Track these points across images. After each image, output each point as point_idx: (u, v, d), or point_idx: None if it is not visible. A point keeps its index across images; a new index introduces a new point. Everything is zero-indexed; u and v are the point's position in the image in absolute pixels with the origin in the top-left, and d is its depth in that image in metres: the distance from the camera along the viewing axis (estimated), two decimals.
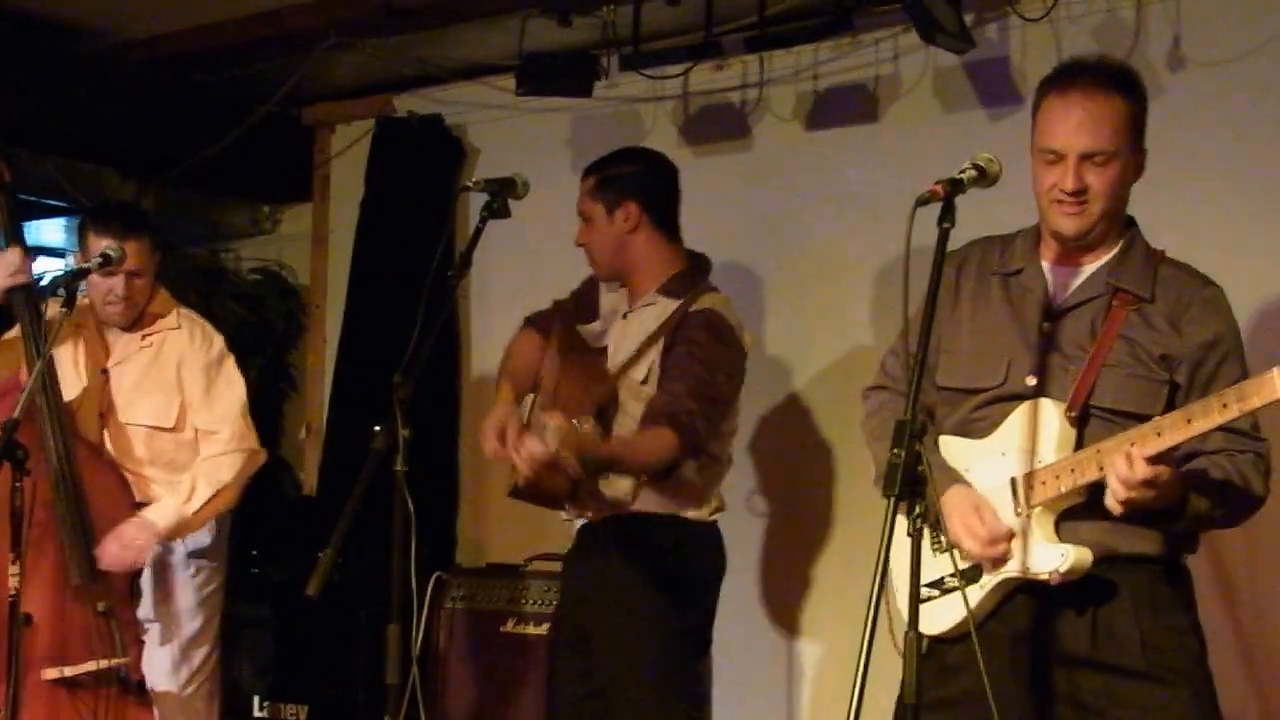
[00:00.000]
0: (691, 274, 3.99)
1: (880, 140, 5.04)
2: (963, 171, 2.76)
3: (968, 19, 4.59)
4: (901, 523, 2.54)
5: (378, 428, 3.02)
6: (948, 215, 2.68)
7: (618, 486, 3.78)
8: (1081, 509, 2.88)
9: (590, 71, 5.19)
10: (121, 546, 4.02)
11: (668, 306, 3.89)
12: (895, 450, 2.49)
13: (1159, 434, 2.72)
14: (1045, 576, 2.85)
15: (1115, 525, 2.86)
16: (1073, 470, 2.83)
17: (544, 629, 4.91)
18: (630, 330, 3.94)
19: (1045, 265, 3.06)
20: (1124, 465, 2.70)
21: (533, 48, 5.22)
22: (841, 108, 5.12)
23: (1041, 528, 2.89)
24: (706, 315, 3.85)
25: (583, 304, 4.16)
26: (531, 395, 4.02)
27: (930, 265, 2.71)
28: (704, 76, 5.32)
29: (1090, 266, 3.02)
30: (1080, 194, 2.92)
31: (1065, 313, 3.00)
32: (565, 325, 4.09)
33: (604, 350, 3.98)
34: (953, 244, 2.70)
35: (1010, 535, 2.90)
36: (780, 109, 5.25)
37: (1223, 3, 4.45)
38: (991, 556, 2.90)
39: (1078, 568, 2.84)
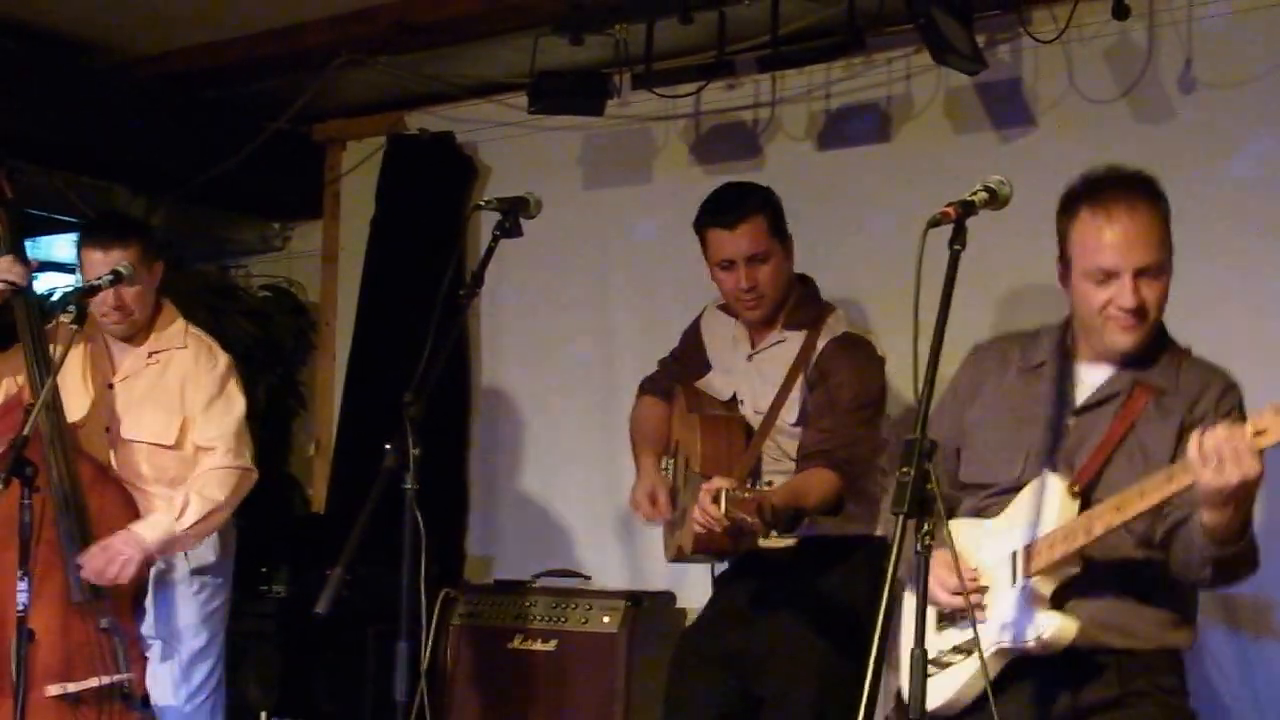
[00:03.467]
0: (809, 301, 4.00)
1: (892, 160, 5.04)
2: (974, 193, 2.75)
3: (980, 40, 4.59)
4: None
5: (389, 446, 3.02)
6: (959, 237, 2.68)
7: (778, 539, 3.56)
8: (1086, 594, 2.88)
9: (602, 90, 5.19)
10: (107, 560, 4.00)
11: (797, 340, 3.91)
12: (904, 469, 2.49)
13: (1141, 495, 2.71)
14: (1030, 644, 2.85)
15: (1115, 610, 2.88)
16: (1064, 538, 2.83)
17: (551, 645, 4.91)
18: (764, 372, 3.93)
19: (1073, 363, 3.05)
20: (1220, 429, 2.60)
21: (545, 66, 5.23)
22: (853, 128, 5.12)
23: (1036, 598, 2.88)
24: (843, 341, 3.87)
25: (691, 360, 4.20)
26: (670, 459, 4.10)
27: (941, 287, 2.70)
28: (716, 95, 5.33)
29: (1115, 362, 3.01)
30: (1138, 311, 2.91)
31: (1089, 409, 3.00)
32: (686, 385, 4.12)
33: (733, 401, 3.99)
34: (963, 268, 2.69)
35: (979, 587, 2.90)
36: (792, 128, 5.26)
37: (1234, 25, 4.45)
38: (957, 605, 2.90)
39: (1060, 635, 2.84)
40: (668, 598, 5.11)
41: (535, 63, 5.22)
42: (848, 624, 3.74)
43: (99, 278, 4.10)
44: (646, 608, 4.96)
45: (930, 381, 2.59)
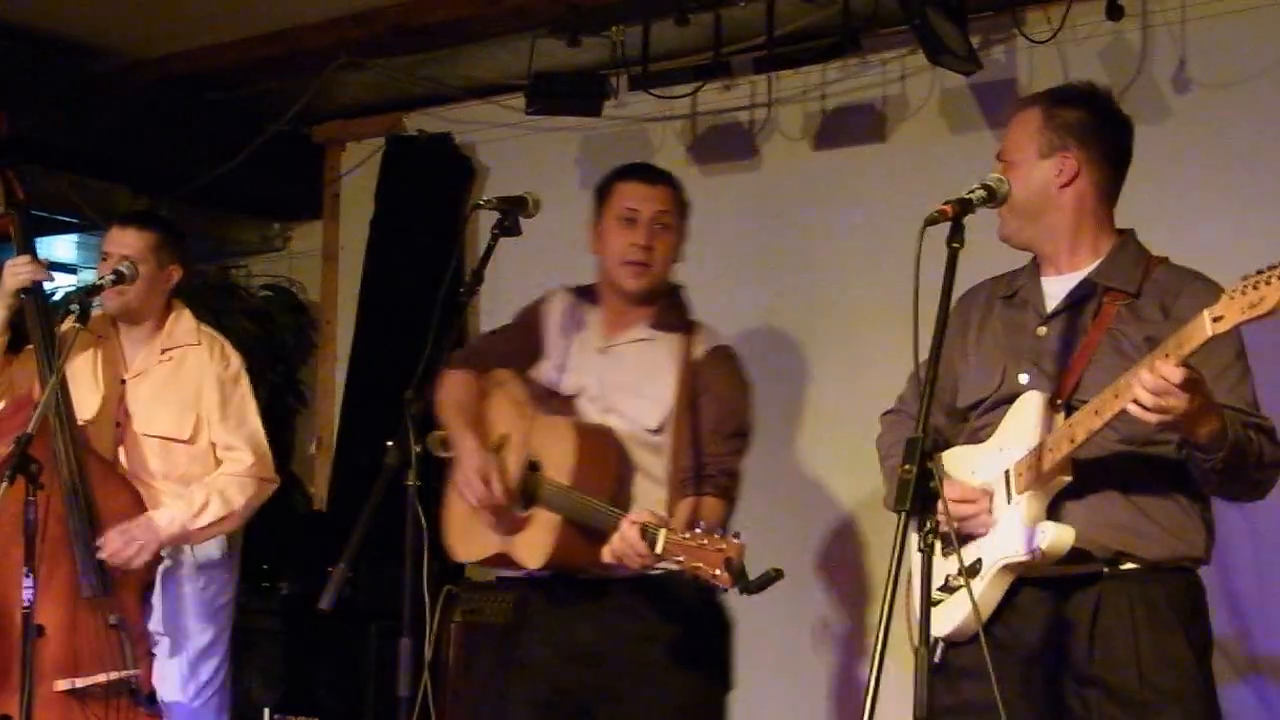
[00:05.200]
0: (681, 306, 3.72)
1: (888, 160, 5.08)
2: (972, 191, 2.78)
3: (974, 40, 4.63)
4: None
5: (390, 443, 3.04)
6: (957, 235, 2.69)
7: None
8: (1082, 496, 2.90)
9: (599, 91, 5.22)
10: (125, 541, 4.02)
11: (667, 341, 3.63)
12: (906, 466, 2.50)
13: (1115, 396, 2.73)
14: (1028, 555, 2.87)
15: (1114, 507, 2.90)
16: (1050, 449, 2.86)
17: None
18: (624, 369, 3.62)
19: (1042, 280, 3.13)
20: (1145, 374, 2.63)
21: (542, 67, 5.26)
22: (849, 128, 5.16)
23: (1030, 512, 2.90)
24: (728, 352, 3.63)
25: (522, 343, 3.78)
26: (491, 455, 3.60)
27: (940, 284, 2.74)
28: (712, 96, 5.37)
29: (1080, 272, 3.08)
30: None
31: (1056, 315, 3.06)
32: (520, 374, 3.73)
33: (571, 398, 3.63)
34: (962, 266, 2.72)
35: (983, 494, 2.95)
36: (788, 129, 5.29)
37: (1228, 26, 4.48)
38: (968, 513, 2.94)
39: (1057, 543, 2.85)
40: None
41: (533, 64, 5.25)
42: (704, 655, 3.57)
43: (101, 277, 4.16)
44: None
45: (931, 381, 2.60)
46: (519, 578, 3.72)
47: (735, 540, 3.07)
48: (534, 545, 3.49)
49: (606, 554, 3.27)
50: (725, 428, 3.53)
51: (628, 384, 3.59)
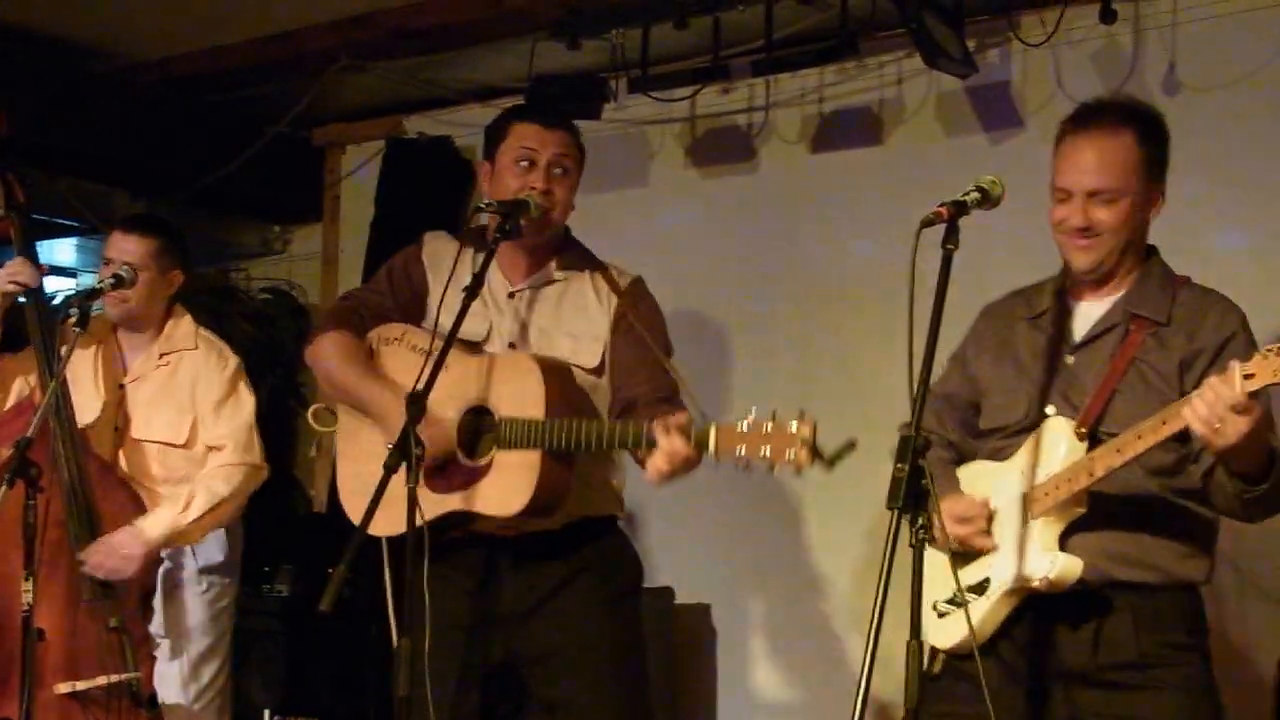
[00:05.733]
0: (580, 246, 3.60)
1: (884, 162, 5.09)
2: (967, 194, 2.80)
3: (970, 44, 4.65)
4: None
5: (390, 445, 3.05)
6: (952, 237, 2.71)
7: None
8: (1096, 528, 2.94)
9: (599, 94, 5.24)
10: (107, 553, 4.02)
11: (584, 280, 3.51)
12: (899, 465, 2.53)
13: (1139, 436, 2.78)
14: (1036, 583, 2.91)
15: (1125, 542, 2.93)
16: (1069, 480, 2.90)
17: None
18: (542, 312, 3.48)
19: (1071, 303, 3.13)
20: (1209, 391, 2.67)
21: (542, 70, 5.27)
22: (846, 131, 5.17)
23: (1043, 538, 2.95)
24: (641, 283, 3.54)
25: (405, 297, 3.57)
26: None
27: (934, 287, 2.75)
28: (711, 99, 5.38)
29: (1111, 298, 3.09)
30: (1086, 230, 3.00)
31: (1086, 344, 3.07)
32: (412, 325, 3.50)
33: (477, 345, 3.44)
34: (956, 269, 2.74)
35: (981, 511, 2.99)
36: (786, 131, 5.31)
37: (1218, 30, 4.51)
38: (962, 535, 2.98)
39: (1065, 574, 2.90)
40: (666, 593, 5.13)
41: (532, 67, 5.27)
42: (630, 608, 3.53)
43: (101, 280, 4.17)
44: (644, 603, 4.98)
45: (925, 381, 2.61)
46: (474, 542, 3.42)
47: (805, 416, 2.93)
48: (509, 489, 3.25)
49: (651, 471, 3.08)
50: (667, 350, 3.44)
51: (550, 326, 3.47)
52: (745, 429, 2.96)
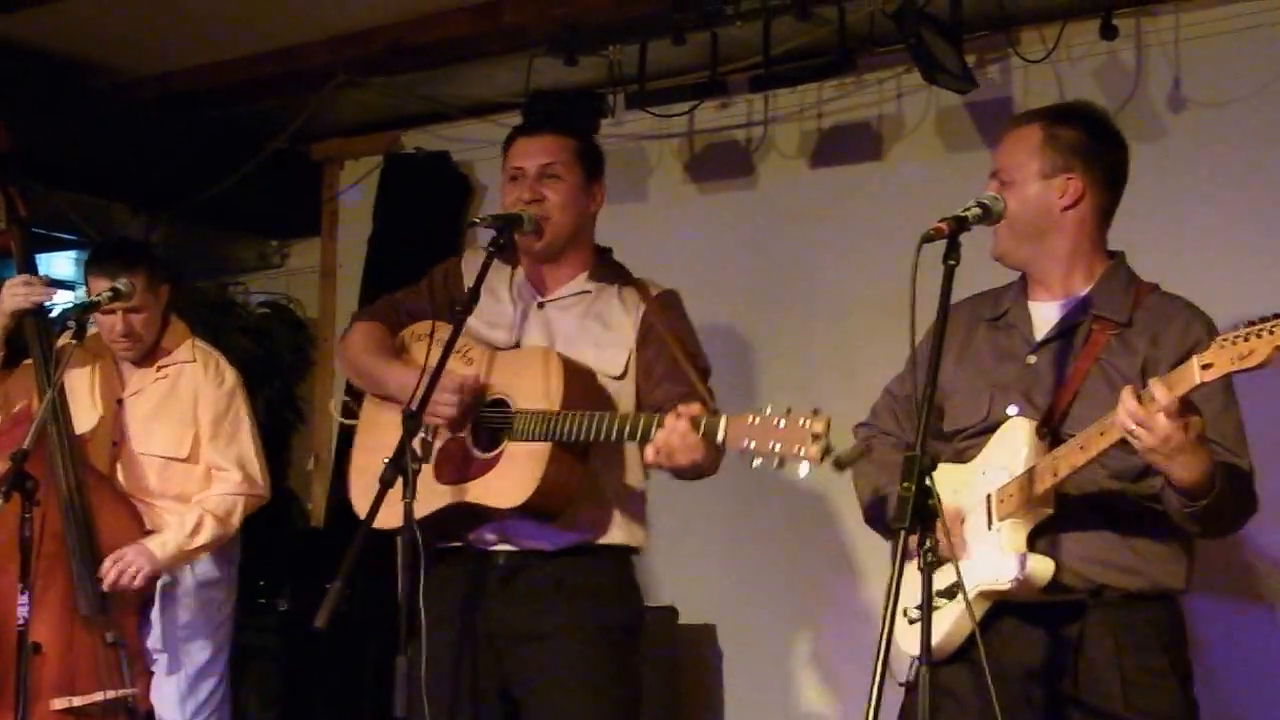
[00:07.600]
0: (613, 261, 3.64)
1: (883, 178, 5.09)
2: (967, 209, 2.79)
3: (969, 60, 4.65)
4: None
5: (387, 460, 3.04)
6: (953, 252, 2.70)
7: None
8: (1073, 530, 2.91)
9: (596, 109, 5.24)
10: (119, 569, 4.04)
11: (612, 292, 3.53)
12: (905, 484, 2.50)
13: (1101, 433, 2.74)
14: (1007, 585, 2.88)
15: (1096, 543, 2.90)
16: (1032, 480, 2.87)
17: None
18: (570, 322, 3.50)
19: (1030, 304, 3.12)
20: (1129, 401, 2.65)
21: (539, 86, 5.27)
22: (845, 146, 5.18)
23: (1011, 540, 2.91)
24: (673, 298, 3.55)
25: (442, 297, 3.61)
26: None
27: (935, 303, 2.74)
28: (709, 115, 5.38)
29: (1073, 297, 3.08)
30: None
31: (1047, 344, 3.06)
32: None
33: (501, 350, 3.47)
34: (958, 283, 2.73)
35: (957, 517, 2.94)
36: (784, 147, 5.31)
37: (1222, 45, 4.51)
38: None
39: (1035, 575, 2.86)
40: (668, 613, 5.12)
41: (530, 83, 5.27)
42: (625, 638, 3.51)
43: (98, 294, 4.15)
44: (647, 623, 4.97)
45: (929, 399, 2.61)
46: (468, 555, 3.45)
47: (818, 414, 2.92)
48: (513, 481, 3.25)
49: (650, 453, 3.08)
50: (698, 364, 3.41)
51: (576, 336, 3.47)
52: (756, 422, 2.96)
